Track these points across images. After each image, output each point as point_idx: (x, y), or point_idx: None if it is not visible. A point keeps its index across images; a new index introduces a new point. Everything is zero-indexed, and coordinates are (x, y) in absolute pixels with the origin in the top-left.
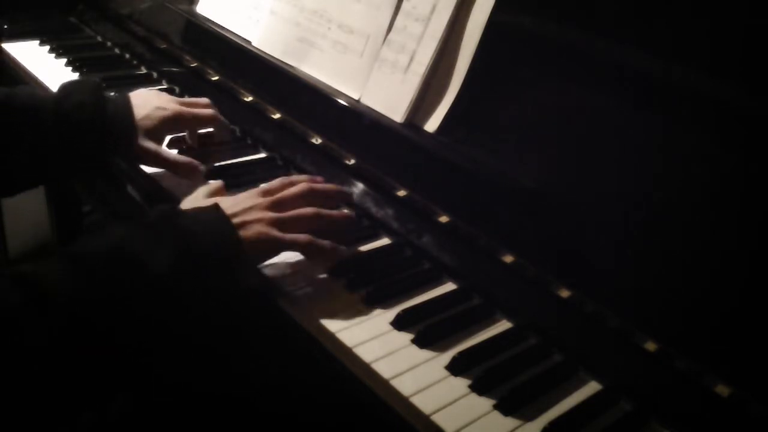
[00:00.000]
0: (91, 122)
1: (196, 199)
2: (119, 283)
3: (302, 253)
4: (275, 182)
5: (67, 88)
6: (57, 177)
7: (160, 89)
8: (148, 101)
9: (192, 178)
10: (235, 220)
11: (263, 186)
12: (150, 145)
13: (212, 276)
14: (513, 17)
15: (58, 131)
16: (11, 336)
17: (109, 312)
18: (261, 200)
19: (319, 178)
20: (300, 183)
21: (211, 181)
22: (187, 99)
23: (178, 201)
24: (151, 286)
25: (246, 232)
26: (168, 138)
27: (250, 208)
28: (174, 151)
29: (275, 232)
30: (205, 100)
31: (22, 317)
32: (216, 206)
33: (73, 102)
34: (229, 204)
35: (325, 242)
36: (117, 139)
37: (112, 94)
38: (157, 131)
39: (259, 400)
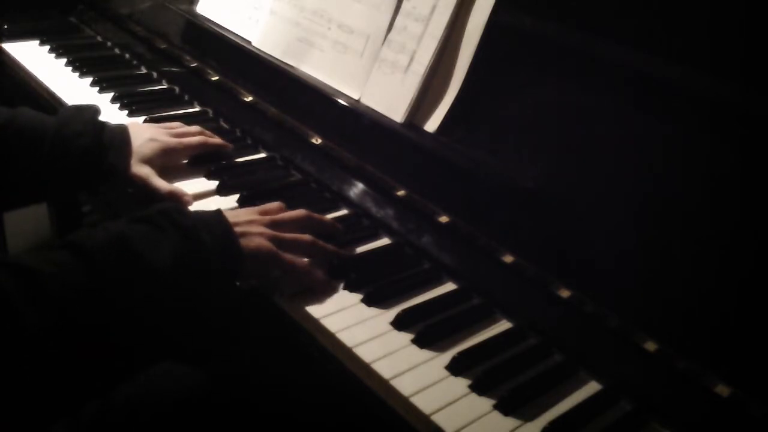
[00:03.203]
0: (88, 149)
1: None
2: (119, 274)
3: (294, 278)
4: (272, 205)
5: (66, 114)
6: (52, 198)
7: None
8: (143, 133)
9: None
10: (237, 229)
11: (261, 207)
12: (142, 171)
13: (211, 275)
14: (513, 17)
15: (56, 157)
16: (5, 324)
17: (106, 304)
18: (260, 217)
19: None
20: (297, 209)
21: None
22: (179, 129)
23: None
24: (151, 278)
25: (246, 242)
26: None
27: (251, 221)
28: (162, 182)
29: (274, 248)
30: (196, 128)
31: (17, 306)
32: (219, 211)
33: (72, 130)
34: (230, 214)
35: (320, 276)
36: (112, 165)
37: (111, 123)
38: (149, 160)
39: (259, 400)
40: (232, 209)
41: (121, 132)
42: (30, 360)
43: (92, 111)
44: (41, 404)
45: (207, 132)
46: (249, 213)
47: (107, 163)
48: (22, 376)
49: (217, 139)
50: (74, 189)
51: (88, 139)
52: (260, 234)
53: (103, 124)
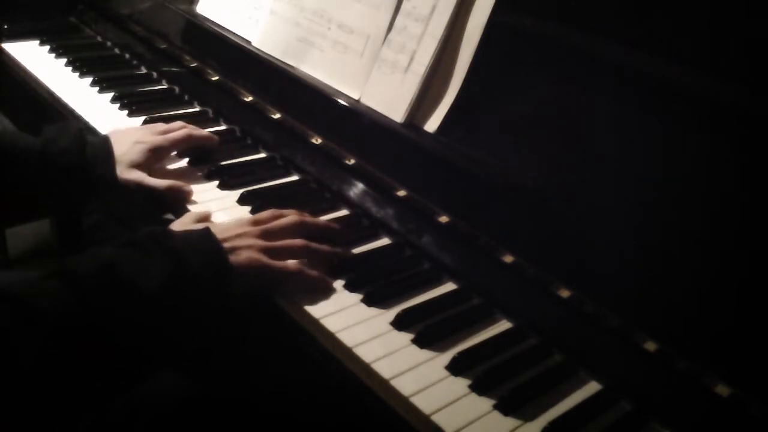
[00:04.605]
0: (74, 166)
1: (183, 224)
2: (110, 302)
3: (290, 282)
4: (265, 213)
5: (50, 134)
6: (46, 216)
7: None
8: (127, 137)
9: (182, 198)
10: (226, 245)
11: (253, 216)
12: (133, 176)
13: (202, 296)
14: (513, 17)
15: (45, 176)
16: (1, 355)
17: (100, 329)
18: (251, 228)
19: (306, 214)
20: (290, 215)
21: (199, 210)
22: (161, 127)
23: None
24: (142, 304)
25: (236, 258)
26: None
27: (241, 235)
28: (158, 180)
29: (265, 259)
30: (178, 123)
31: (11, 337)
32: (207, 229)
33: (58, 148)
34: (220, 229)
35: (314, 272)
36: (98, 177)
37: (91, 137)
38: (139, 163)
39: (259, 400)
40: (230, 213)
41: (103, 143)
42: (26, 385)
43: (75, 130)
44: (40, 422)
45: (190, 126)
46: (239, 226)
47: (94, 176)
48: (18, 401)
49: (202, 132)
50: (65, 205)
51: (72, 156)
52: (250, 247)
53: (86, 140)
